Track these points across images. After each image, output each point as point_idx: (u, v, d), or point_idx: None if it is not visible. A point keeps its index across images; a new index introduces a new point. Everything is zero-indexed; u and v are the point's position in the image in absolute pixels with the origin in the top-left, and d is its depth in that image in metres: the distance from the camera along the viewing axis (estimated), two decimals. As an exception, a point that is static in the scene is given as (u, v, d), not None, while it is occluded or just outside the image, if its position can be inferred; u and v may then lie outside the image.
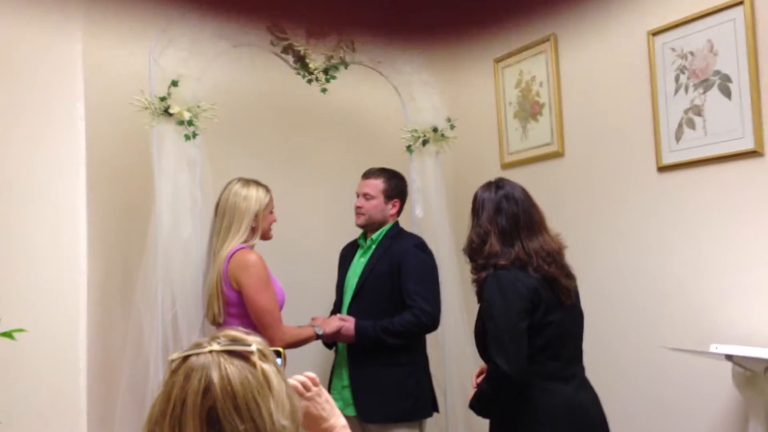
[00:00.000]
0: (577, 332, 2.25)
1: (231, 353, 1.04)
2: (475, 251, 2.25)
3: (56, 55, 2.09)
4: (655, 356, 2.69)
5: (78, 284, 2.07)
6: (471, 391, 2.38)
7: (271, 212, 2.63)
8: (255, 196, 2.55)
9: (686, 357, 2.52)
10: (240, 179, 2.59)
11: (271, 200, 2.62)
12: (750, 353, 2.18)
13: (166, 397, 1.02)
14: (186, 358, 1.04)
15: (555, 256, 2.19)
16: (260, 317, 2.45)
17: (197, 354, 1.04)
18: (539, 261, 2.15)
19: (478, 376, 2.40)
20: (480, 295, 2.22)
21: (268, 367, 1.05)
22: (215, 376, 1.00)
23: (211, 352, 1.04)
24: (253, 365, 1.04)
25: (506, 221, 2.21)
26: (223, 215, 2.54)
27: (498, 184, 2.34)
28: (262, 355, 1.06)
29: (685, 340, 2.57)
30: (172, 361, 1.06)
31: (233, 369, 1.02)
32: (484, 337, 2.17)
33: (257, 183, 2.60)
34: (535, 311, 2.11)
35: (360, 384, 2.71)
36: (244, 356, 1.04)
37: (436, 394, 2.87)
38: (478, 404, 2.24)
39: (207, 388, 1.00)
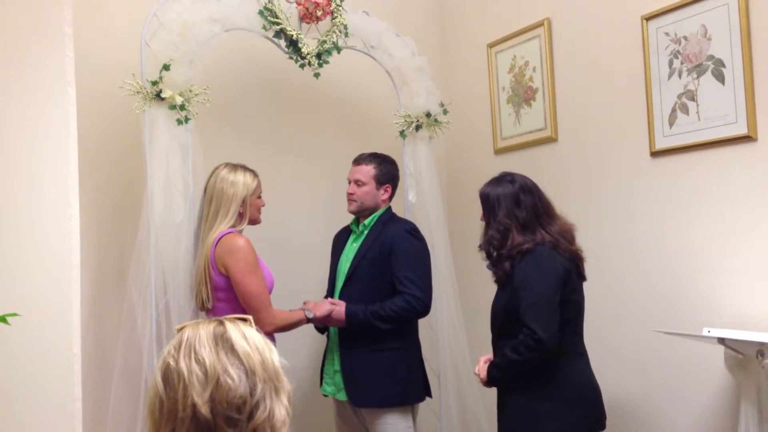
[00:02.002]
0: (584, 311, 2.38)
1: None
2: (497, 247, 2.35)
3: (46, 39, 2.06)
4: (648, 340, 2.71)
5: (71, 270, 2.05)
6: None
7: (260, 197, 2.62)
8: (242, 181, 2.53)
9: (678, 340, 2.54)
10: (227, 164, 2.57)
11: (258, 185, 2.60)
12: (742, 337, 2.20)
13: (179, 337, 1.11)
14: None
15: (573, 237, 2.35)
16: (249, 301, 2.44)
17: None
18: (564, 242, 2.30)
19: (485, 362, 2.45)
20: (503, 280, 2.34)
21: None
22: (225, 320, 1.14)
23: (216, 319, 1.17)
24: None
25: (526, 213, 2.33)
26: (210, 201, 2.53)
27: (509, 178, 2.41)
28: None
29: (677, 323, 2.59)
30: (178, 328, 1.15)
31: (240, 322, 1.16)
32: (508, 313, 2.29)
33: (244, 168, 2.58)
34: (564, 287, 2.25)
35: (351, 369, 2.71)
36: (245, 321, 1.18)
37: (430, 380, 2.88)
38: (502, 372, 2.30)
39: (219, 324, 1.12)
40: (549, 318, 2.18)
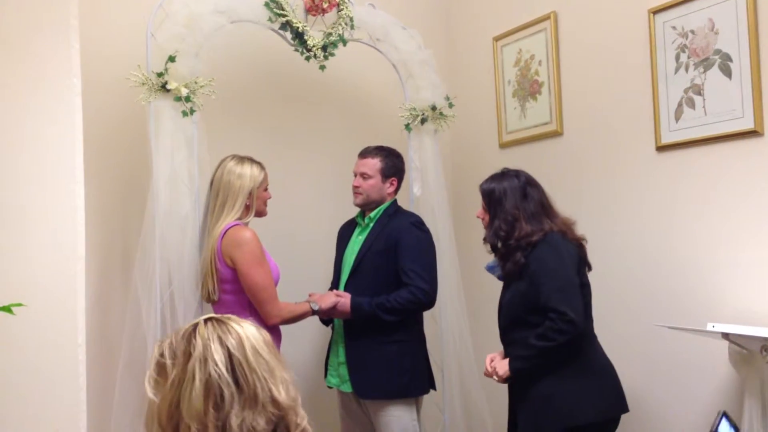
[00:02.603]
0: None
1: None
2: (504, 238, 2.37)
3: (51, 31, 2.06)
4: (652, 334, 2.71)
5: (76, 261, 2.06)
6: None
7: (266, 189, 2.62)
8: (249, 174, 2.54)
9: (683, 335, 2.54)
10: (234, 156, 2.58)
11: (265, 177, 2.60)
12: (746, 332, 2.19)
13: (174, 331, 1.19)
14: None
15: (574, 228, 2.41)
16: (255, 293, 2.45)
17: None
18: (570, 231, 2.36)
19: (492, 360, 2.45)
20: (514, 272, 2.35)
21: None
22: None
23: None
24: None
25: (533, 205, 2.37)
26: (217, 193, 2.53)
27: (513, 173, 2.46)
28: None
29: (681, 318, 2.59)
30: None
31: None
32: (526, 304, 2.30)
33: (251, 160, 2.59)
34: (578, 272, 2.31)
35: (356, 361, 2.72)
36: None
37: (433, 372, 2.89)
38: (529, 363, 2.28)
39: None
40: (576, 300, 2.22)
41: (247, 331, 1.15)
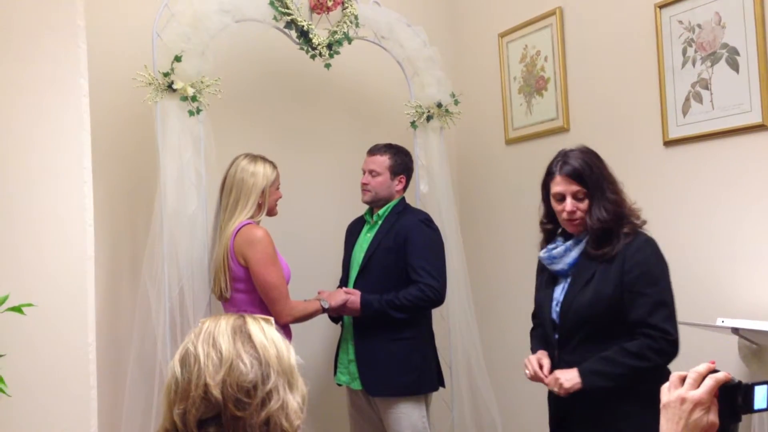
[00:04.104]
0: None
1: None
2: (608, 222, 2.06)
3: (58, 31, 2.06)
4: (660, 330, 2.69)
5: (85, 260, 2.06)
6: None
7: (278, 188, 2.63)
8: (262, 172, 2.55)
9: (693, 330, 2.53)
10: (247, 155, 2.59)
11: (277, 176, 2.62)
12: (756, 327, 2.19)
13: (200, 326, 1.16)
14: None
15: None
16: (267, 292, 2.47)
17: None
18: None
19: (542, 366, 2.14)
20: (588, 268, 2.07)
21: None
22: (246, 315, 1.19)
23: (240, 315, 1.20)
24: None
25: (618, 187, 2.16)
26: (230, 191, 2.54)
27: (585, 147, 2.19)
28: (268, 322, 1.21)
29: (691, 313, 2.57)
30: (203, 322, 1.18)
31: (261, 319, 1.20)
32: (611, 310, 2.01)
33: (264, 159, 2.60)
34: None
35: (366, 358, 2.72)
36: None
37: (442, 369, 2.89)
38: (614, 382, 1.98)
39: (239, 317, 1.17)
40: (675, 317, 2.01)
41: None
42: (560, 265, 2.15)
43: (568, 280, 2.13)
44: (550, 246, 2.19)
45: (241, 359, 1.09)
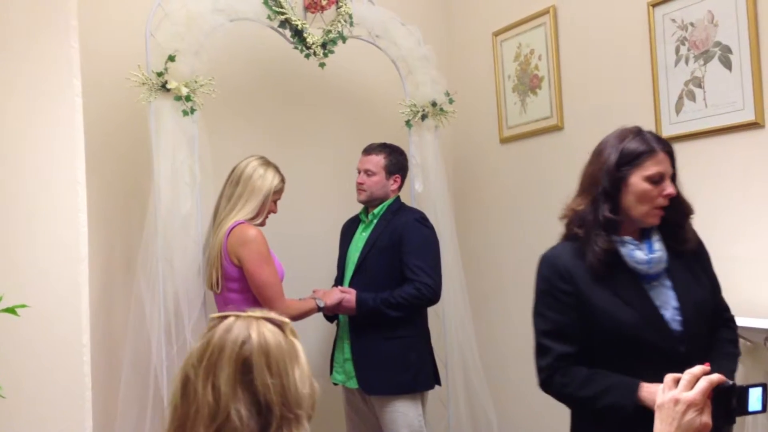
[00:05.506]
0: None
1: (267, 320, 1.15)
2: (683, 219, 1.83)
3: (51, 31, 2.06)
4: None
5: (79, 261, 2.06)
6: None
7: (276, 201, 2.64)
8: (271, 178, 2.58)
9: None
10: (261, 157, 2.62)
11: (282, 190, 2.64)
12: (750, 324, 2.19)
13: (206, 343, 1.12)
14: (227, 317, 1.15)
15: None
16: (262, 291, 2.47)
17: (237, 315, 1.15)
18: None
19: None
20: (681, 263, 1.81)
21: (297, 342, 1.15)
22: (254, 333, 1.11)
23: (249, 316, 1.14)
24: (286, 335, 1.14)
25: None
26: (236, 183, 2.55)
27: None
28: (292, 331, 1.16)
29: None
30: (213, 318, 1.16)
31: (269, 332, 1.12)
32: (713, 307, 1.83)
33: (276, 168, 2.63)
34: None
35: (361, 357, 2.73)
36: (279, 326, 1.15)
37: (438, 367, 2.89)
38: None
39: (245, 341, 1.10)
40: None
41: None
42: (658, 268, 1.77)
43: (667, 283, 1.78)
44: (655, 249, 1.77)
45: (238, 412, 1.06)
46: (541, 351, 1.79)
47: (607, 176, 1.75)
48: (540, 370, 1.79)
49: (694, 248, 1.83)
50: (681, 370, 1.38)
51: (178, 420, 1.09)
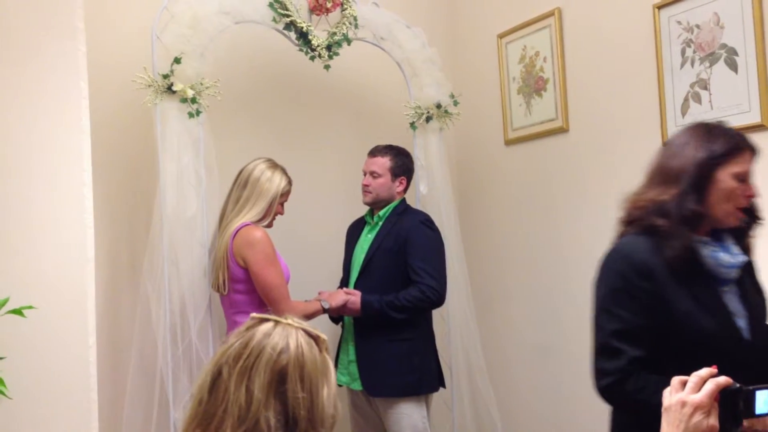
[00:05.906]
0: None
1: (306, 332, 1.14)
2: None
3: (57, 34, 2.07)
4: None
5: (85, 263, 2.06)
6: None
7: (283, 204, 2.65)
8: (278, 181, 2.59)
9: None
10: (269, 159, 2.62)
11: (289, 192, 2.65)
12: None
13: (244, 343, 1.11)
14: (267, 319, 1.15)
15: None
16: (268, 293, 2.47)
17: (277, 321, 1.14)
18: None
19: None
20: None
21: (329, 360, 1.15)
22: (292, 344, 1.11)
23: (290, 324, 1.14)
24: (320, 350, 1.14)
25: None
26: (244, 186, 2.56)
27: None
28: (326, 347, 1.17)
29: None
30: (253, 317, 1.16)
31: (306, 345, 1.12)
32: None
33: (284, 170, 2.63)
34: None
35: (366, 359, 2.73)
36: (315, 339, 1.15)
37: (442, 370, 2.89)
38: None
39: (283, 350, 1.10)
40: None
41: None
42: (737, 273, 1.69)
43: (734, 289, 1.69)
44: (735, 252, 1.69)
45: (267, 419, 1.05)
46: (608, 352, 1.63)
47: (697, 169, 1.64)
48: (605, 373, 1.63)
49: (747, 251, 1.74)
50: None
51: (202, 414, 1.08)
